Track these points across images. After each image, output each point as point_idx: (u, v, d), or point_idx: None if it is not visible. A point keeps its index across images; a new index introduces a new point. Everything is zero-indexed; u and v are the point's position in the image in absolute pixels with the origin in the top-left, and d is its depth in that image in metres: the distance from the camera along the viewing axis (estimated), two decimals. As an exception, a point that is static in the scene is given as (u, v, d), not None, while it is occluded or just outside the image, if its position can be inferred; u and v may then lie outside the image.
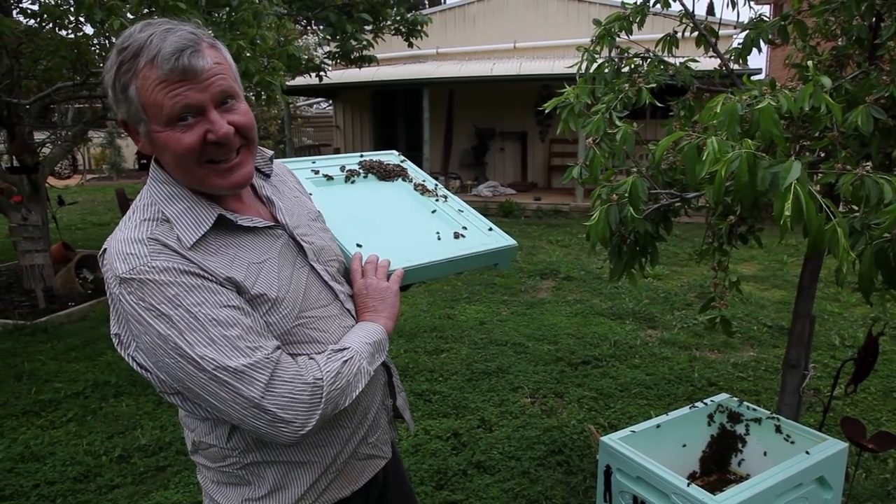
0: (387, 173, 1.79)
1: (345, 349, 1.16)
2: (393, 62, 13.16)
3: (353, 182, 1.73)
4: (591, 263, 7.17)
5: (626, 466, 1.90)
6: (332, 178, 1.71)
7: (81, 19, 4.53)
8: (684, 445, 2.20)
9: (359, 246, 1.41)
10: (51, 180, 7.55)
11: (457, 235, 1.60)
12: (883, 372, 4.19)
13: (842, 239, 1.21)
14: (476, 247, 1.58)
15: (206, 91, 1.05)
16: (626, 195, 1.62)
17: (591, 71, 2.32)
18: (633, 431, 2.03)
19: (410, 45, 8.86)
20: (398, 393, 1.45)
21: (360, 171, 1.76)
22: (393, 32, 8.74)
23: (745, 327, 5.13)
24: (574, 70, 2.35)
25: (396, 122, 14.45)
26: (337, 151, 14.67)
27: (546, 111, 2.18)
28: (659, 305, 5.72)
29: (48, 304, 5.71)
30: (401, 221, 1.62)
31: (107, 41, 4.68)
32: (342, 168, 1.75)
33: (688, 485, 1.73)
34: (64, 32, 5.15)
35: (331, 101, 16.11)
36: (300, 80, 10.56)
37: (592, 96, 2.18)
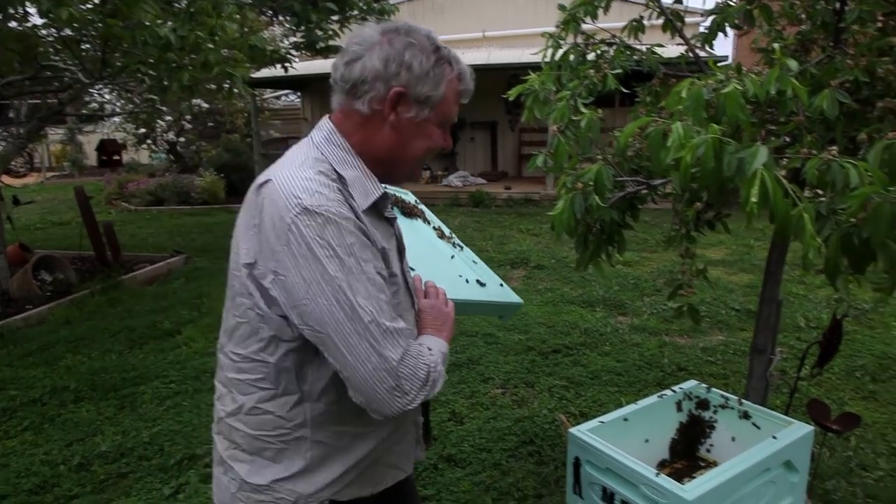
0: (408, 211, 1.89)
1: (431, 349, 1.19)
2: (359, 52, 12.98)
3: None
4: (562, 252, 7.18)
5: (595, 458, 1.88)
6: None
7: (31, 10, 4.36)
8: (651, 435, 2.19)
9: (412, 269, 1.46)
10: (5, 179, 7.32)
11: (480, 283, 1.72)
12: (846, 352, 4.26)
13: (808, 225, 1.19)
14: (496, 297, 1.70)
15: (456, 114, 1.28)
16: (591, 183, 1.59)
17: (557, 58, 2.28)
18: (602, 422, 2.01)
19: (376, 35, 8.74)
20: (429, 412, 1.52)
21: (390, 203, 1.84)
22: (359, 22, 8.61)
23: (713, 312, 5.17)
24: (539, 57, 2.32)
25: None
26: (304, 143, 14.45)
27: (513, 100, 2.15)
28: (629, 292, 5.74)
29: (3, 308, 5.52)
30: (430, 259, 1.72)
31: (58, 32, 4.51)
32: None
33: (656, 474, 1.71)
34: (13, 24, 4.96)
35: (299, 94, 15.88)
36: (266, 72, 10.38)
37: (558, 83, 2.14)
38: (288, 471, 1.19)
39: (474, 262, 1.83)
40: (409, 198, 1.96)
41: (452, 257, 1.79)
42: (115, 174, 14.41)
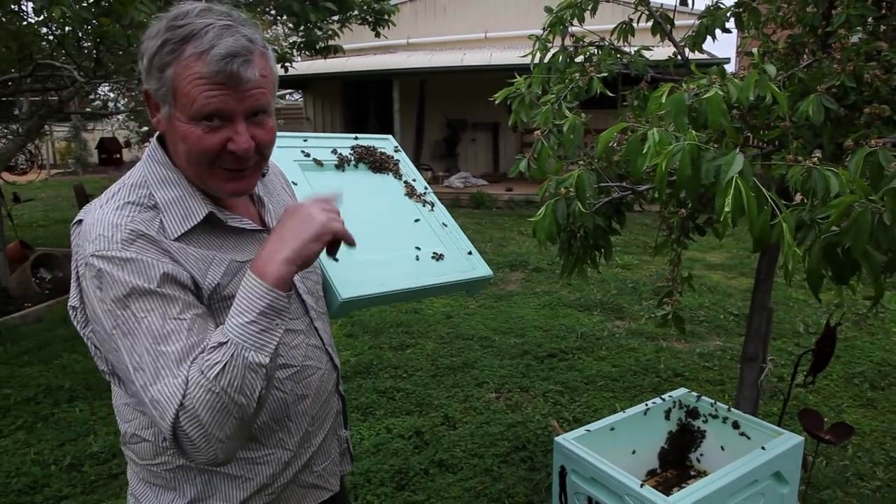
0: (379, 165, 1.73)
1: (221, 345, 0.95)
2: (363, 52, 12.99)
3: (343, 171, 1.67)
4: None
5: (580, 467, 1.85)
6: (322, 165, 1.64)
7: (25, 8, 4.34)
8: (639, 444, 2.16)
9: (335, 261, 1.35)
10: (6, 176, 7.32)
11: (436, 257, 1.56)
12: (844, 358, 4.22)
13: (787, 235, 1.16)
14: (452, 275, 1.54)
15: (243, 102, 1.02)
16: (573, 189, 1.56)
17: (546, 61, 2.26)
18: (588, 430, 1.98)
19: (377, 35, 8.72)
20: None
21: (352, 158, 1.70)
22: (360, 22, 8.59)
23: (711, 316, 5.13)
24: (528, 60, 2.29)
25: (367, 113, 14.30)
26: (307, 143, 14.45)
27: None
28: (627, 296, 5.70)
29: (2, 306, 5.50)
30: (384, 229, 1.57)
31: (49, 31, 4.49)
32: (334, 151, 1.68)
33: (641, 485, 1.68)
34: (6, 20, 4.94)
35: (301, 93, 15.89)
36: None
37: (547, 86, 2.11)
38: (183, 499, 1.12)
39: (444, 224, 1.66)
40: (387, 147, 1.79)
41: (417, 220, 1.62)
42: (119, 171, 14.43)
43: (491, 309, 5.38)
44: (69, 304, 1.08)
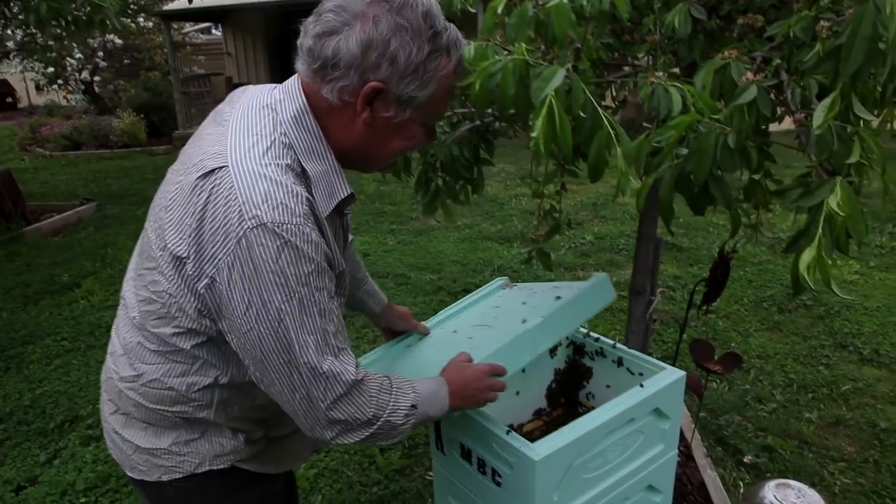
0: None
1: (414, 408, 1.11)
2: (283, -20, 12.27)
3: None
4: (487, 186, 7.01)
5: (452, 415, 1.75)
6: None
7: None
8: (523, 385, 2.08)
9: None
10: None
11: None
12: (757, 282, 4.26)
13: (621, 161, 1.02)
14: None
15: None
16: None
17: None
18: (464, 376, 1.88)
19: (291, -40, 8.19)
20: None
21: None
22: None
23: (630, 245, 5.11)
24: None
25: (292, 47, 13.63)
26: (229, 80, 13.75)
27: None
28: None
29: None
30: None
31: None
32: None
33: (507, 432, 1.59)
34: None
35: (220, 27, 15.03)
36: (178, 4, 9.70)
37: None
38: (188, 436, 1.12)
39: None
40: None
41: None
42: (24, 117, 13.51)
43: (410, 245, 5.24)
44: (174, 252, 0.96)
